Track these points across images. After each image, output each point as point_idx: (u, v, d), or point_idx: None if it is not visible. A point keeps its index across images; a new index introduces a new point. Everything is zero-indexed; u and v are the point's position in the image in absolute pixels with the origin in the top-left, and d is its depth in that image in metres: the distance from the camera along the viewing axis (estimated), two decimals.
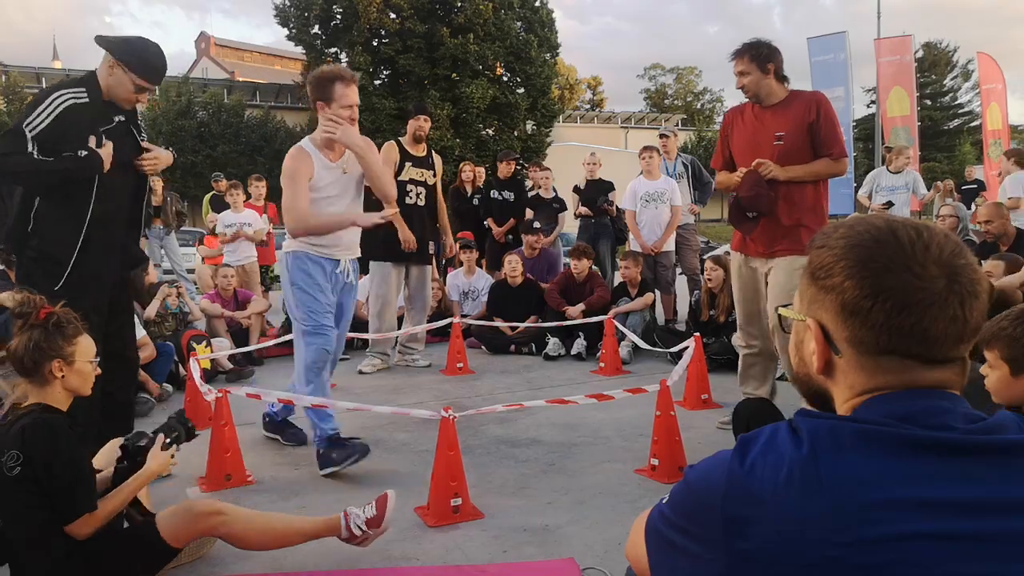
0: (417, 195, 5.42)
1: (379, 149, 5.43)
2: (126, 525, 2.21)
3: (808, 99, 3.52)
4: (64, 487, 1.96)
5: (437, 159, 5.68)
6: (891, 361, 0.86)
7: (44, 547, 1.98)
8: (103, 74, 2.85)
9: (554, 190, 7.80)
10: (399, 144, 5.47)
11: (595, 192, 7.48)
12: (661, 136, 7.52)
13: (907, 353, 0.85)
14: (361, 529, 2.27)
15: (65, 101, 2.74)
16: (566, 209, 7.76)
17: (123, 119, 2.92)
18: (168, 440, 2.25)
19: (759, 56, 3.48)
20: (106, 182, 2.84)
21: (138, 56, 2.85)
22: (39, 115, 2.70)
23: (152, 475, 2.18)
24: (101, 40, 2.87)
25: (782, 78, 3.55)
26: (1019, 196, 7.16)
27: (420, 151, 5.51)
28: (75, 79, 2.93)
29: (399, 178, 5.34)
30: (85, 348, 2.16)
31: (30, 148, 2.69)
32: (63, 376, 2.09)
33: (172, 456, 2.26)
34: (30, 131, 2.69)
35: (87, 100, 2.79)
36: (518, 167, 9.14)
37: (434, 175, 5.58)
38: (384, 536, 2.42)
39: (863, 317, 0.85)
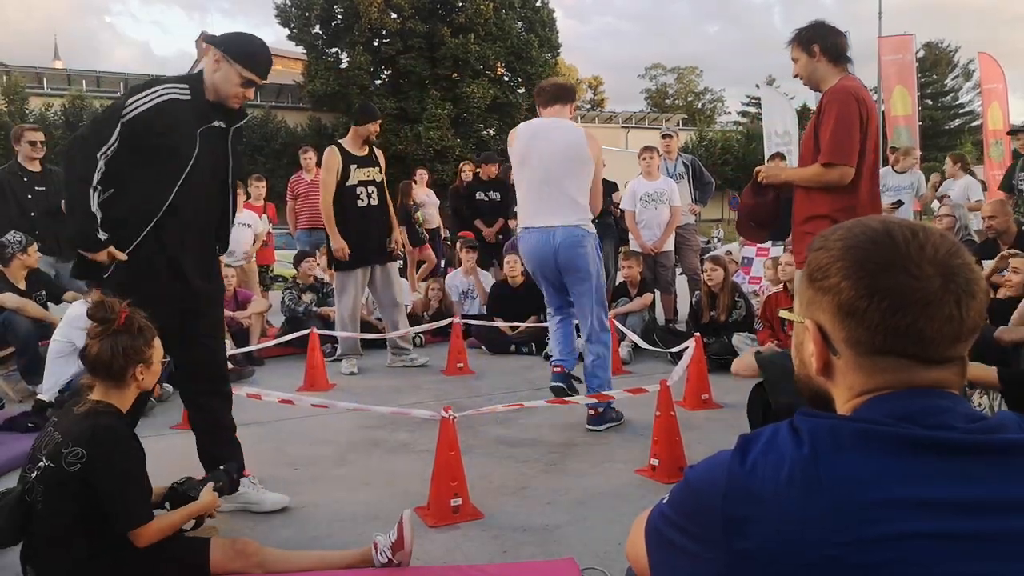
0: (369, 196, 5.34)
1: (380, 146, 5.46)
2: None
3: (825, 93, 3.17)
4: (121, 499, 2.00)
5: (379, 154, 5.58)
6: (888, 361, 0.86)
7: (65, 546, 1.99)
8: (209, 71, 2.75)
9: None
10: (340, 147, 5.35)
11: None
12: (664, 136, 7.51)
13: (904, 353, 0.85)
14: (388, 556, 2.27)
15: (167, 93, 2.64)
16: None
17: (223, 125, 2.80)
18: (214, 488, 2.32)
19: (800, 38, 3.19)
20: (189, 184, 2.71)
21: (244, 48, 2.78)
22: (138, 101, 2.60)
23: (202, 509, 2.23)
24: (205, 36, 2.84)
25: (837, 60, 3.17)
26: (980, 199, 7.39)
27: (364, 151, 5.42)
28: (178, 76, 2.81)
29: (348, 183, 5.26)
30: (159, 349, 2.23)
31: (114, 138, 2.57)
32: (143, 378, 2.16)
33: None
34: (124, 115, 2.58)
35: (188, 98, 2.69)
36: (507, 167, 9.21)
37: (380, 171, 5.49)
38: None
39: (859, 317, 0.85)
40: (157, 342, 2.23)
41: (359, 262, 5.35)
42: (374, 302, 5.99)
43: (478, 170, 8.08)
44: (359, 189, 5.31)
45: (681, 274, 7.40)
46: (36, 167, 5.82)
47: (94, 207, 2.56)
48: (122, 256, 2.62)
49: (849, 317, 0.86)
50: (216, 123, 2.76)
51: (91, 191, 2.55)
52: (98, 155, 2.55)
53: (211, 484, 2.30)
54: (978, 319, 0.85)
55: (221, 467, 2.46)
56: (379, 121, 5.53)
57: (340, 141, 5.43)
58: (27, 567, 2.04)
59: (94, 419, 2.04)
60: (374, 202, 5.37)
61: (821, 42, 3.15)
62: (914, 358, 0.85)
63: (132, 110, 2.58)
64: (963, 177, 7.94)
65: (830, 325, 0.89)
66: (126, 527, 2.01)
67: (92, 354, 2.11)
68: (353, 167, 5.29)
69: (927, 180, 8.47)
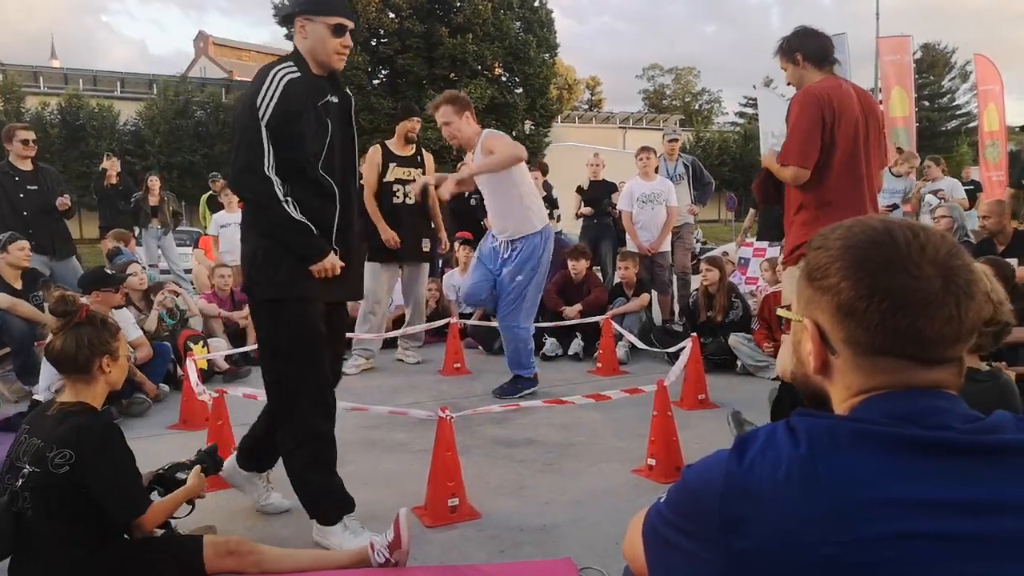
0: (405, 194, 5.43)
1: (381, 146, 5.49)
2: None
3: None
4: (117, 491, 2.01)
5: (428, 157, 5.70)
6: (887, 361, 0.86)
7: (64, 547, 1.99)
8: (300, 43, 2.56)
9: (546, 187, 7.76)
10: (384, 146, 5.51)
11: (598, 192, 7.48)
12: (670, 140, 7.41)
13: (903, 354, 0.85)
14: (385, 556, 2.27)
15: (284, 75, 2.45)
16: (556, 208, 7.73)
17: (336, 100, 2.60)
18: (201, 470, 2.36)
19: (784, 49, 3.29)
20: (330, 167, 2.54)
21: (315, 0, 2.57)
22: (266, 96, 2.41)
23: (191, 493, 2.26)
24: (280, 16, 2.69)
25: (821, 64, 3.24)
26: (963, 198, 7.48)
27: (408, 151, 5.55)
28: (281, 58, 2.60)
29: (384, 179, 5.40)
30: (125, 344, 2.26)
31: (266, 145, 2.39)
32: (109, 371, 2.16)
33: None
34: (263, 120, 2.39)
35: (299, 74, 2.49)
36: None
37: (423, 173, 5.56)
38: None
39: (859, 318, 0.85)
40: (123, 336, 2.24)
41: (387, 259, 5.41)
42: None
43: None
44: (395, 187, 5.41)
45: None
46: (28, 166, 5.78)
47: (299, 216, 2.44)
48: (340, 264, 2.51)
49: (848, 317, 0.86)
50: (331, 98, 2.57)
51: (285, 205, 2.42)
52: (266, 170, 2.40)
53: (199, 467, 2.32)
54: (977, 320, 0.85)
55: (202, 448, 2.47)
56: (416, 118, 5.65)
57: (386, 141, 5.59)
58: None
59: (75, 419, 2.03)
60: (410, 201, 5.45)
61: (803, 50, 3.23)
62: (913, 359, 0.85)
63: (266, 109, 2.41)
64: (944, 178, 7.99)
65: (829, 324, 0.89)
66: (127, 517, 2.03)
67: (56, 348, 2.11)
68: (392, 164, 5.42)
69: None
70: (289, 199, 2.44)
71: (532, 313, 4.68)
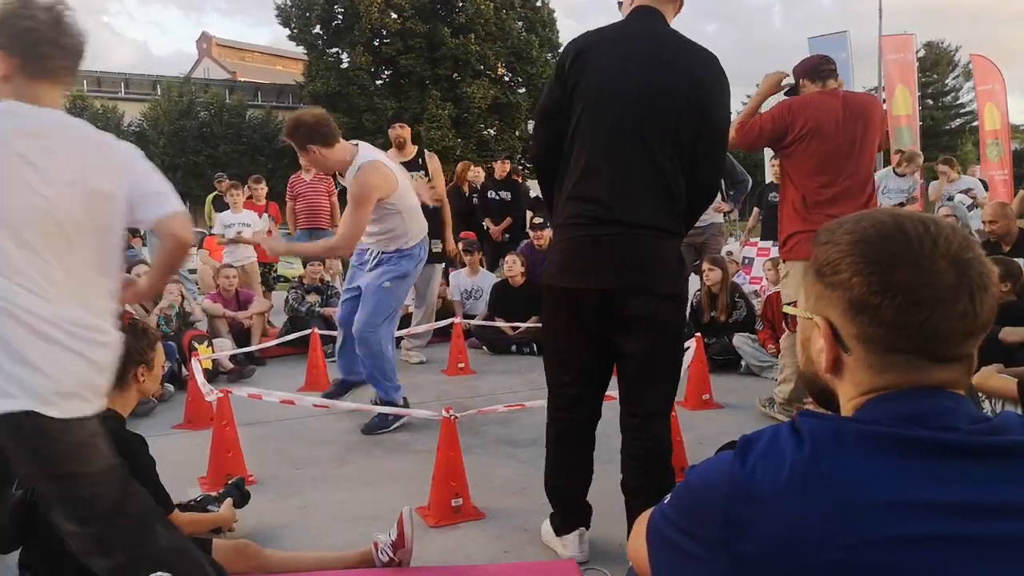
0: None
1: (381, 148, 5.50)
2: None
3: None
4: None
5: (432, 159, 5.67)
6: (900, 358, 0.85)
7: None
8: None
9: None
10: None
11: None
12: None
13: (916, 350, 0.84)
14: (389, 556, 2.28)
15: None
16: None
17: None
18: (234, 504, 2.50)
19: (795, 89, 3.77)
20: None
21: None
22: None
23: (222, 520, 2.38)
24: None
25: (815, 78, 3.67)
26: (985, 197, 7.58)
27: (406, 155, 5.53)
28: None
29: None
30: (161, 353, 2.29)
31: None
32: (143, 380, 2.20)
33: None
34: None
35: None
36: (515, 166, 9.13)
37: (426, 175, 5.55)
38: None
39: (872, 314, 0.83)
40: (160, 347, 2.27)
41: None
42: None
43: (491, 167, 8.01)
44: None
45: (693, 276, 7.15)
46: None
47: None
48: None
49: (861, 314, 0.85)
50: None
51: None
52: None
53: (230, 500, 2.44)
54: (990, 314, 0.83)
55: (230, 482, 2.57)
56: (398, 124, 5.72)
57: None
58: (26, 573, 2.03)
59: (105, 426, 2.05)
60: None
61: (803, 75, 3.73)
62: (926, 355, 0.84)
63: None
64: (962, 178, 7.98)
65: (841, 321, 0.87)
66: None
67: None
68: None
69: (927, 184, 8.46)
70: None
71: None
